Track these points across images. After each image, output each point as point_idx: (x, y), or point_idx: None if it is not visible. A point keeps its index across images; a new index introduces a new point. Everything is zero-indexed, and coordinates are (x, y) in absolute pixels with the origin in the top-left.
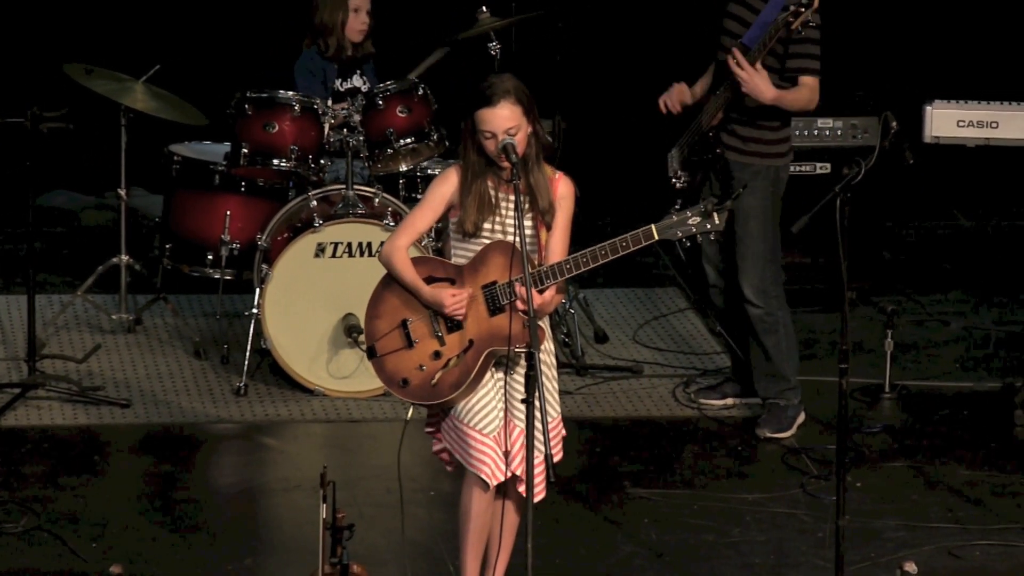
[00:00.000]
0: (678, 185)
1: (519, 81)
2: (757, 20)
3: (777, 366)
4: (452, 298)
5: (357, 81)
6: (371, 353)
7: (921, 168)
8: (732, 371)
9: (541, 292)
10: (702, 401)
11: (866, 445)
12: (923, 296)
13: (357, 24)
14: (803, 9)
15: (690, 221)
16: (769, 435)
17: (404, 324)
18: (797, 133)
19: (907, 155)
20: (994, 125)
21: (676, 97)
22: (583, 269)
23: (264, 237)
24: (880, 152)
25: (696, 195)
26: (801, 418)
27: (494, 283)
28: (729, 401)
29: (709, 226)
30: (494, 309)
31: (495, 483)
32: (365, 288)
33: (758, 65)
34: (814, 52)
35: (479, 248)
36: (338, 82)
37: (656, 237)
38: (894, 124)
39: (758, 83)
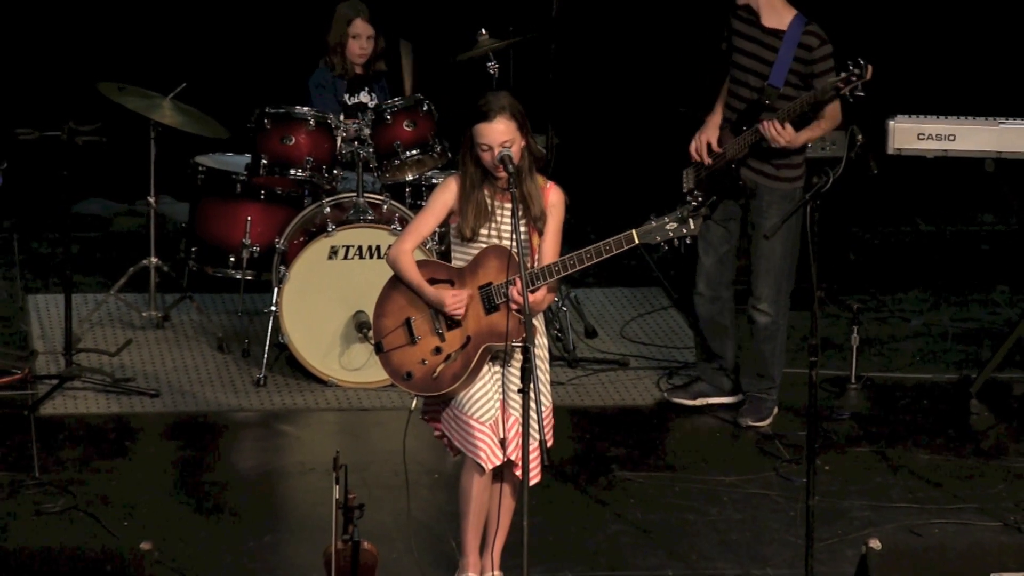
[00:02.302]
0: (693, 203)
1: (513, 98)
2: (780, 54)
3: (768, 368)
4: (453, 299)
5: (364, 97)
6: (378, 349)
7: (884, 177)
8: (701, 372)
9: (533, 292)
10: (675, 400)
11: (834, 432)
12: (886, 295)
13: (356, 48)
14: (854, 79)
15: (668, 226)
16: (751, 423)
17: (408, 322)
18: None
19: (872, 165)
20: (951, 138)
21: (704, 146)
22: (570, 271)
23: (282, 241)
24: (847, 162)
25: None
26: (776, 410)
27: (490, 284)
28: (699, 401)
29: (685, 230)
30: (490, 308)
31: (491, 467)
32: (374, 287)
33: (787, 124)
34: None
35: (476, 252)
36: (346, 96)
37: (637, 241)
38: (860, 137)
39: (790, 139)
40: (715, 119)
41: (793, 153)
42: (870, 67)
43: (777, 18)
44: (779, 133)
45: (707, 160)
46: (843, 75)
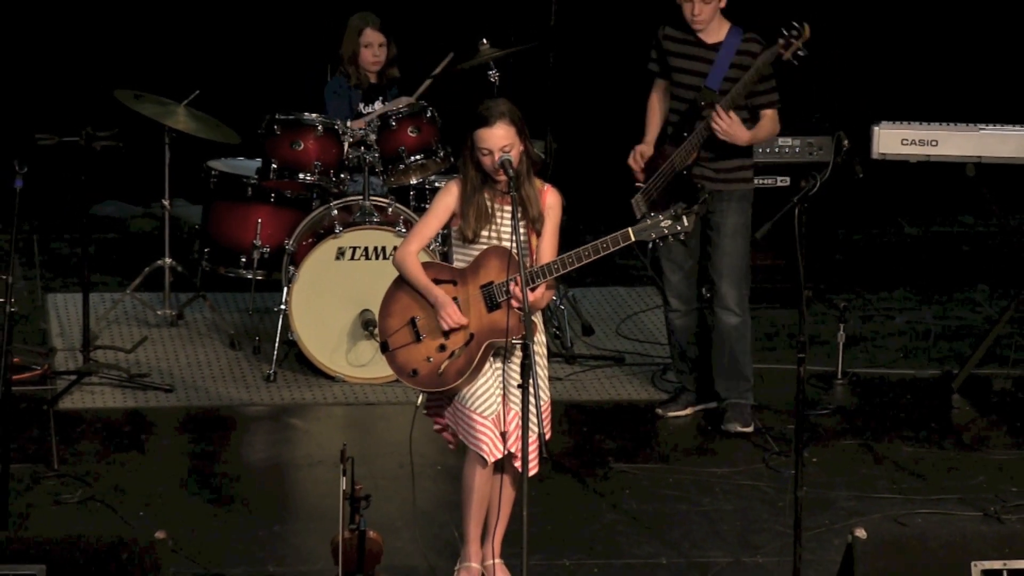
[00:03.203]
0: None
1: (512, 105)
2: (718, 61)
3: (742, 369)
4: (450, 316)
5: (378, 106)
6: (384, 348)
7: (869, 181)
8: (685, 383)
9: (532, 290)
10: (670, 414)
11: (821, 425)
12: (871, 294)
13: (369, 57)
14: (794, 40)
15: (662, 224)
16: (739, 429)
17: (413, 321)
18: (760, 150)
19: (857, 170)
20: (934, 143)
21: (640, 158)
22: (568, 269)
23: (291, 242)
24: (833, 167)
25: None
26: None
27: (491, 283)
28: (689, 411)
29: (679, 227)
30: (492, 306)
31: (493, 459)
32: (380, 287)
33: (731, 113)
34: (774, 86)
35: (477, 253)
36: (361, 106)
37: (633, 239)
38: (846, 142)
39: (736, 132)
40: (648, 138)
41: (744, 154)
42: (807, 26)
43: (715, 33)
44: (724, 120)
45: (640, 165)
46: (780, 41)
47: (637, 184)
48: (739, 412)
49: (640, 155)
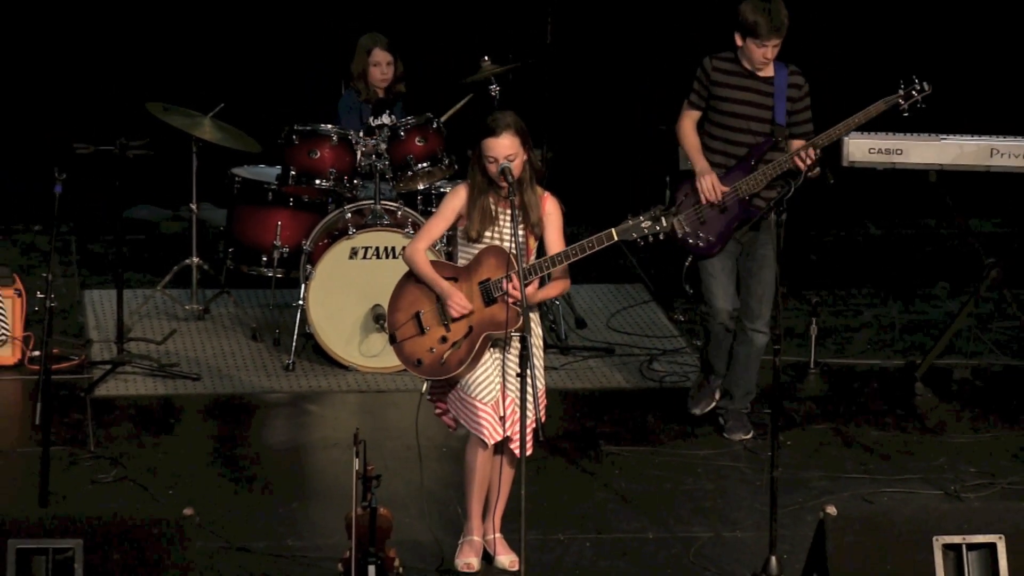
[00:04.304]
0: (701, 245)
1: (518, 117)
2: (776, 96)
3: (754, 382)
4: (457, 304)
5: (386, 119)
6: (392, 340)
7: (840, 187)
8: (709, 384)
9: (527, 285)
10: (698, 411)
11: (795, 411)
12: (841, 290)
13: (378, 74)
14: (915, 93)
15: (643, 224)
16: (743, 438)
17: (418, 315)
18: None
19: (828, 176)
20: (899, 152)
21: (715, 186)
22: (557, 266)
23: (308, 243)
24: (806, 174)
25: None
26: None
27: (488, 279)
28: (714, 402)
29: (658, 228)
30: (489, 300)
31: (493, 442)
32: (390, 284)
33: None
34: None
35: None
36: (371, 119)
37: (616, 238)
38: (818, 151)
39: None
40: (704, 164)
41: (779, 188)
42: (929, 86)
43: (768, 67)
44: (812, 159)
45: (719, 197)
46: (900, 91)
47: (677, 206)
48: (741, 422)
49: (714, 184)
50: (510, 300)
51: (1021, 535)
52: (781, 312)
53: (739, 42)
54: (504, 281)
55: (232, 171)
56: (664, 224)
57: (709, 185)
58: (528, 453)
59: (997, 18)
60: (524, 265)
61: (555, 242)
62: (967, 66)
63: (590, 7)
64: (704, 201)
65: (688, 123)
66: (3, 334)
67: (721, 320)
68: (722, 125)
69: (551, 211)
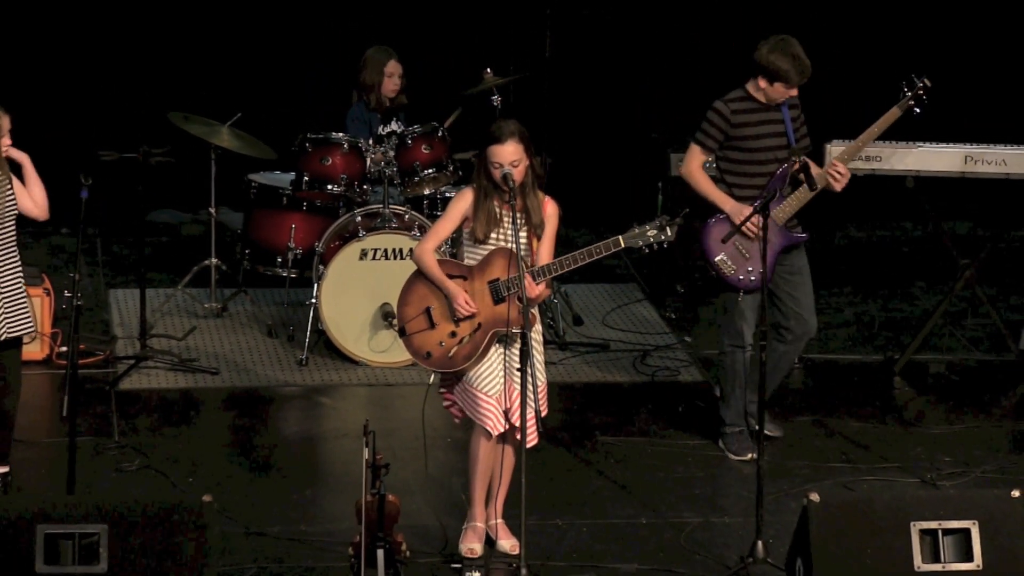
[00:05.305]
0: (753, 279)
1: (521, 125)
2: (785, 120)
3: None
4: (464, 303)
5: (394, 126)
6: (402, 333)
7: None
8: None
9: (537, 285)
10: (750, 456)
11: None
12: (823, 290)
13: (390, 85)
14: (921, 91)
15: (649, 233)
16: (751, 456)
17: (428, 311)
18: None
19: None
20: (878, 159)
21: (756, 223)
22: (566, 269)
23: (321, 244)
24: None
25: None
26: None
27: (496, 279)
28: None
29: (663, 236)
30: (497, 299)
31: (496, 433)
32: (399, 283)
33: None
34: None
35: (486, 252)
36: (380, 128)
37: (623, 245)
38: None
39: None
40: (734, 202)
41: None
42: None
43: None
44: (844, 174)
45: (758, 230)
46: (908, 92)
47: (709, 250)
48: (742, 441)
49: (753, 219)
50: (530, 297)
51: (994, 520)
52: (767, 308)
53: (762, 84)
54: (513, 282)
55: (249, 177)
56: (669, 234)
57: (750, 223)
58: (529, 444)
59: (970, 30)
60: (533, 268)
61: (545, 247)
62: (943, 77)
63: (587, 22)
64: (749, 237)
65: (697, 165)
66: (33, 331)
67: (749, 350)
68: (749, 161)
69: (551, 215)
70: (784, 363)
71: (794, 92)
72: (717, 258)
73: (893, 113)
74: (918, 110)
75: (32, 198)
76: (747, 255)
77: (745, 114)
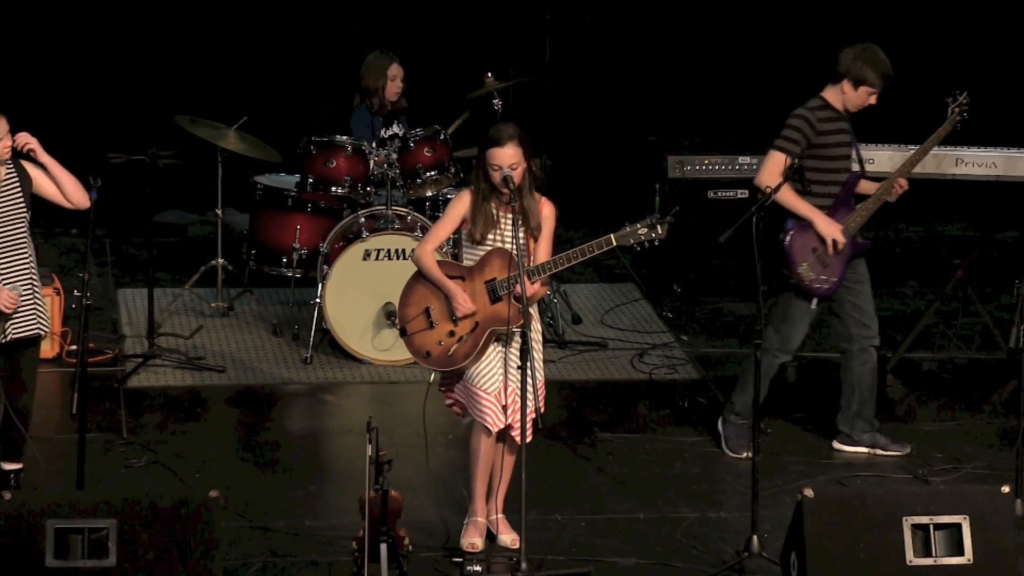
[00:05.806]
0: (827, 287)
1: (520, 128)
2: (850, 128)
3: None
4: (463, 302)
5: (395, 128)
6: (402, 332)
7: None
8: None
9: (531, 284)
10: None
11: (775, 400)
12: None
13: (393, 88)
14: (964, 106)
15: (640, 231)
16: (746, 455)
17: (427, 311)
18: (724, 167)
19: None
20: (870, 161)
21: (844, 235)
22: (560, 268)
23: (325, 245)
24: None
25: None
26: None
27: (494, 279)
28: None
29: (654, 235)
30: (494, 299)
31: (496, 430)
32: (401, 283)
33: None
34: None
35: (483, 253)
36: (383, 131)
37: (614, 244)
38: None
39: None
40: (826, 217)
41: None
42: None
43: None
44: (905, 188)
45: (842, 243)
46: (956, 109)
47: (802, 264)
48: (743, 435)
49: (841, 231)
50: (528, 296)
51: (984, 515)
52: (762, 310)
53: (846, 89)
54: (510, 281)
55: (254, 179)
56: (660, 232)
57: (839, 235)
58: (528, 440)
59: (962, 35)
60: (529, 267)
61: (543, 247)
62: (934, 81)
63: (585, 28)
64: (831, 251)
65: (778, 172)
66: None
67: (784, 359)
68: (830, 169)
69: (548, 216)
70: (867, 374)
71: (874, 100)
72: (800, 268)
73: (945, 129)
74: (959, 126)
75: (67, 195)
76: (825, 264)
77: (829, 122)
